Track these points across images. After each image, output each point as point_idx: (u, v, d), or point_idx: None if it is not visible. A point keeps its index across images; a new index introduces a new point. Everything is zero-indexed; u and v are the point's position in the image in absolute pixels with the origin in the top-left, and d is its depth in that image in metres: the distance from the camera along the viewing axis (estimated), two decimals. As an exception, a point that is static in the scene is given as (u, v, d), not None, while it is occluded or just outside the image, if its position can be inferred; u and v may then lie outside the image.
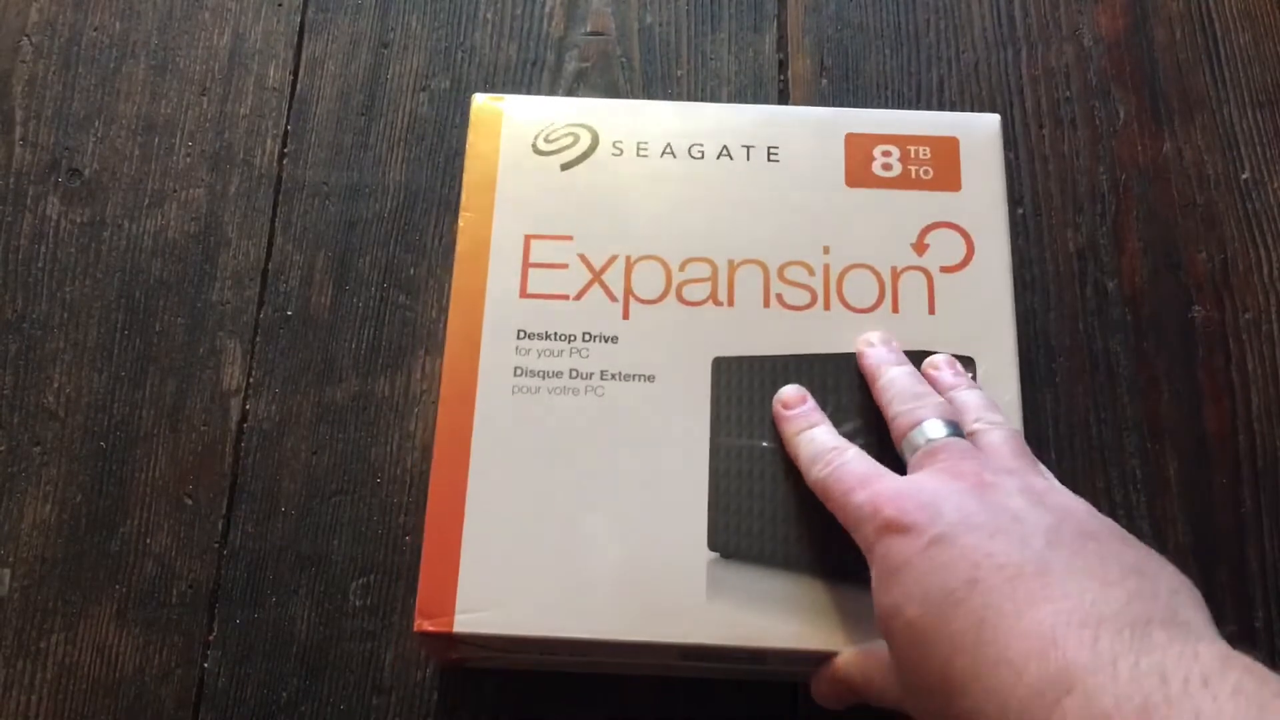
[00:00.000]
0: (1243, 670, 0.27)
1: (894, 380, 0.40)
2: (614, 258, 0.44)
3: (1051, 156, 0.52)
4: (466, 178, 0.45)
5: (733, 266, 0.43)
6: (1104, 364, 0.48)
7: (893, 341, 0.42)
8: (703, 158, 0.45)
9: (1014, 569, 0.31)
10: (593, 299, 0.43)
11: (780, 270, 0.43)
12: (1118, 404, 0.47)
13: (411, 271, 0.50)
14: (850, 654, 0.38)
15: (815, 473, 0.38)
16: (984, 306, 0.43)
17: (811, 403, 0.41)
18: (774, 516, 0.40)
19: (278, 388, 0.48)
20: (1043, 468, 0.37)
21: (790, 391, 0.41)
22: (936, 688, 0.31)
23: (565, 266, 0.43)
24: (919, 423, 0.38)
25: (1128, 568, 0.31)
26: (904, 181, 0.45)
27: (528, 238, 0.44)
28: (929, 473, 0.35)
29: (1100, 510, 0.45)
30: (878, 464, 0.37)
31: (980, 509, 0.33)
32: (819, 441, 0.39)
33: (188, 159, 0.52)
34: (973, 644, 0.30)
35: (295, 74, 0.54)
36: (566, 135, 0.46)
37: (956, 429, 0.37)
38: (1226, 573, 0.45)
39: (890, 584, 0.33)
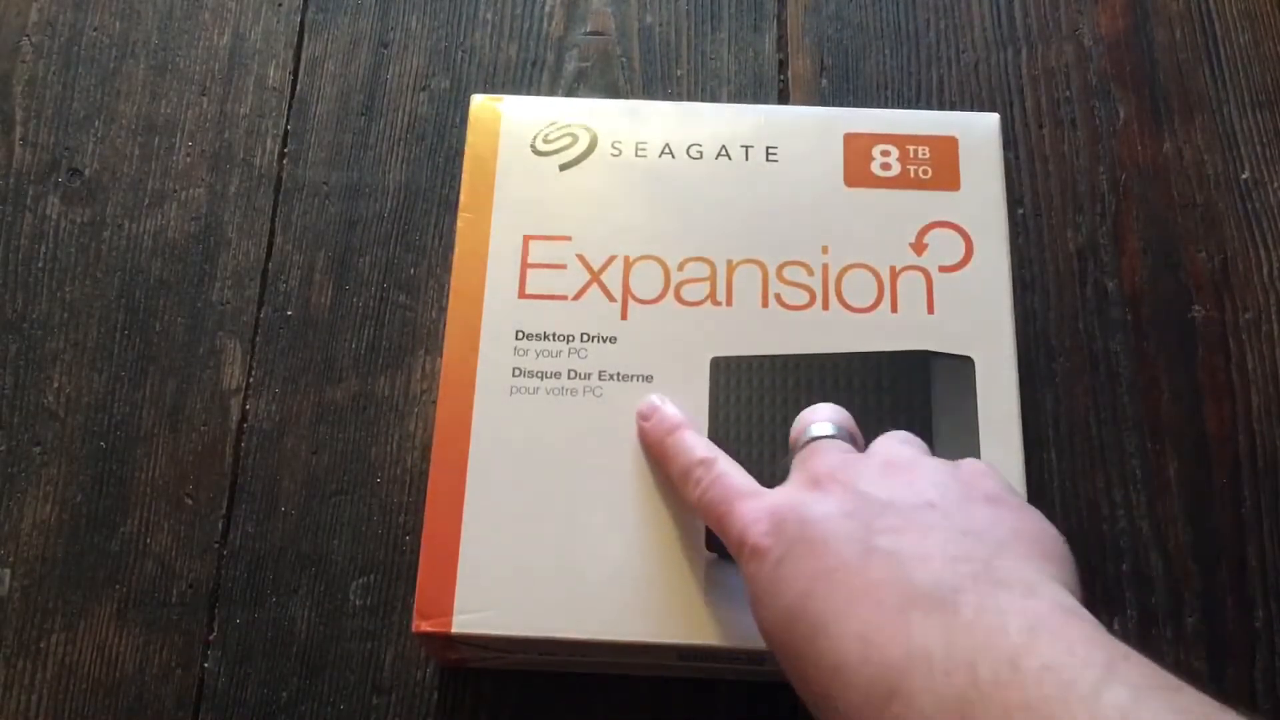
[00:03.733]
0: (1050, 638, 0.26)
1: (808, 409, 0.39)
2: (612, 258, 0.44)
3: (1051, 156, 0.52)
4: (465, 178, 0.45)
5: (731, 266, 0.43)
6: (1104, 364, 0.48)
7: None
8: (701, 158, 0.45)
9: (841, 569, 0.30)
10: (591, 299, 0.43)
11: (779, 270, 0.43)
12: (1118, 404, 0.47)
13: (411, 271, 0.50)
14: None
15: (688, 494, 0.38)
16: (983, 306, 0.43)
17: (667, 408, 0.41)
18: (773, 517, 0.40)
19: (278, 388, 0.48)
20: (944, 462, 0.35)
21: (643, 404, 0.41)
22: (810, 704, 0.30)
23: (564, 267, 0.43)
24: (808, 424, 0.37)
25: (955, 530, 0.30)
26: (903, 181, 0.45)
27: (526, 238, 0.44)
28: (788, 486, 0.35)
29: (1100, 511, 0.46)
30: (743, 477, 0.36)
31: (821, 515, 0.32)
32: (685, 452, 0.39)
33: (188, 159, 0.52)
34: (814, 653, 0.29)
35: (295, 74, 0.54)
36: (565, 136, 0.46)
37: (845, 431, 0.37)
38: (1226, 573, 0.45)
39: (755, 609, 0.33)
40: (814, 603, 0.30)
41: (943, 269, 0.43)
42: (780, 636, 0.31)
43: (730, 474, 0.37)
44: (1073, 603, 0.28)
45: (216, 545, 0.46)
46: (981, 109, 0.52)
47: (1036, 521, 0.32)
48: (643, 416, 0.41)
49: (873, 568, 0.30)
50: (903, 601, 0.28)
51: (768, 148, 0.45)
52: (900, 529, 0.31)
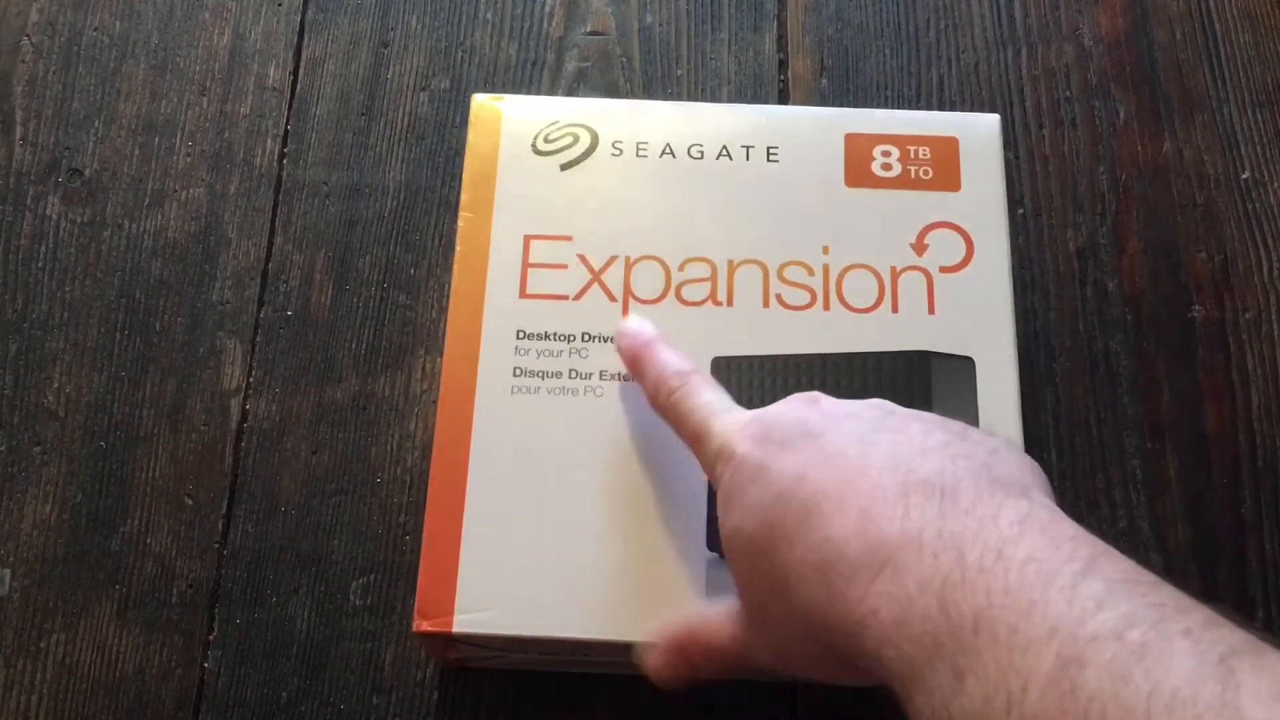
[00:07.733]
0: (1038, 533, 0.27)
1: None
2: (613, 258, 0.44)
3: (1051, 156, 0.52)
4: (466, 178, 0.45)
5: (732, 267, 0.43)
6: (1104, 364, 0.48)
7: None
8: (702, 158, 0.45)
9: (840, 456, 0.31)
10: (592, 299, 0.43)
11: (780, 270, 0.43)
12: (1118, 404, 0.47)
13: (411, 271, 0.50)
14: (705, 616, 0.36)
15: (659, 399, 0.38)
16: (983, 306, 0.43)
17: (644, 324, 0.41)
18: (773, 517, 0.40)
19: (278, 388, 0.48)
20: None
21: (622, 324, 0.41)
22: (777, 588, 0.31)
23: (565, 267, 0.43)
24: None
25: (951, 433, 0.32)
26: (903, 181, 0.45)
27: (527, 238, 0.44)
28: (775, 405, 0.35)
29: (1100, 510, 0.46)
30: (720, 393, 0.37)
31: (820, 415, 0.33)
32: (661, 363, 0.39)
33: (188, 159, 0.52)
34: (803, 531, 0.30)
35: (295, 74, 0.54)
36: (566, 135, 0.46)
37: None
38: (1226, 573, 0.45)
39: (731, 507, 0.33)
40: (808, 484, 0.31)
41: (943, 269, 0.43)
42: (763, 525, 0.31)
43: (705, 386, 0.37)
44: (1059, 510, 0.29)
45: (216, 545, 0.46)
46: (981, 109, 0.52)
47: (1014, 446, 0.33)
48: (621, 334, 0.41)
49: (873, 455, 0.31)
50: (903, 486, 0.29)
51: (768, 148, 0.45)
52: (901, 429, 0.32)
